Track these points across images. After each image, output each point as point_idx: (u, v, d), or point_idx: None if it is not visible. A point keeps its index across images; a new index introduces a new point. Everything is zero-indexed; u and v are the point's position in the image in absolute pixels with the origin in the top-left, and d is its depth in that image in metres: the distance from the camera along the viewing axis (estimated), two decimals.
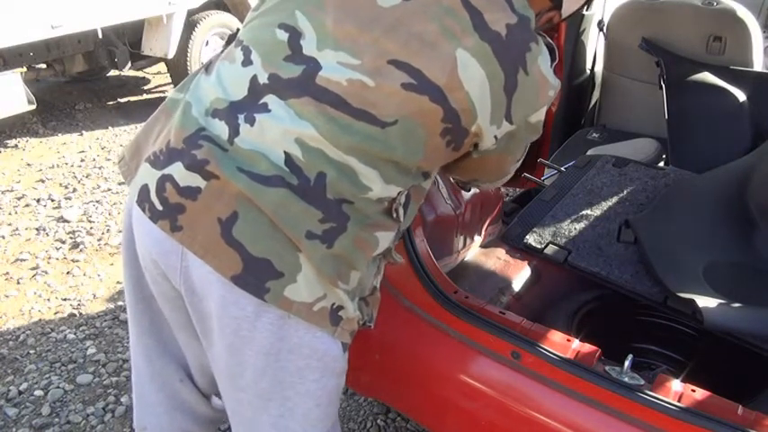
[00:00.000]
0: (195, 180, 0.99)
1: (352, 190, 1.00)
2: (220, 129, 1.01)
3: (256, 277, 0.97)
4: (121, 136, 4.66)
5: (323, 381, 1.09)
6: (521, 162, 1.27)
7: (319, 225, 0.98)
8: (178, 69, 5.03)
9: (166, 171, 1.02)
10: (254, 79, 1.02)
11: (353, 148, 0.99)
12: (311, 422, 1.12)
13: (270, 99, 1.00)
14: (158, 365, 1.27)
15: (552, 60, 1.07)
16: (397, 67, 0.98)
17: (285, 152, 0.98)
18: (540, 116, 1.10)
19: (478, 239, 1.87)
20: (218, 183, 0.98)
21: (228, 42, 1.16)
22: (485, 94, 1.00)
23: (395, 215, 1.07)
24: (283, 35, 1.02)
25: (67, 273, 2.92)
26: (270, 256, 0.98)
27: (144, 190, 1.04)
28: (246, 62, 1.04)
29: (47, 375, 2.27)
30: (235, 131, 1.00)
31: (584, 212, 1.90)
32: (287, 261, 0.98)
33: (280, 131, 0.98)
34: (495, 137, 1.07)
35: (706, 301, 1.48)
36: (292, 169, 0.98)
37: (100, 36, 4.38)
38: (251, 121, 1.00)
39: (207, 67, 1.13)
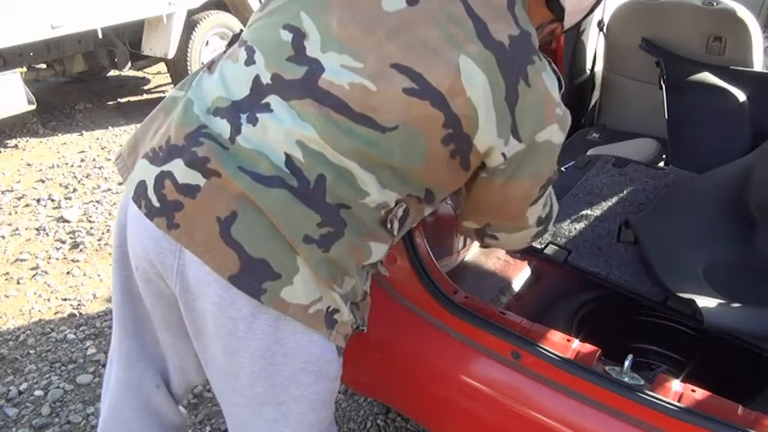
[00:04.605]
0: (195, 178, 0.99)
1: (350, 194, 0.99)
2: (222, 127, 1.01)
3: (253, 278, 0.97)
4: (121, 136, 4.66)
5: (317, 385, 1.08)
6: (545, 215, 1.22)
7: (317, 229, 0.98)
8: (178, 69, 5.03)
9: (166, 168, 1.01)
10: (256, 79, 1.02)
11: (353, 151, 0.98)
12: (305, 427, 1.11)
13: (272, 99, 1.00)
14: (136, 370, 1.26)
15: (559, 87, 1.05)
16: (399, 71, 0.97)
17: (286, 153, 0.98)
18: (548, 136, 1.04)
19: None
20: (219, 181, 0.98)
21: (231, 44, 1.15)
22: (488, 102, 0.98)
23: (389, 226, 1.06)
24: (287, 36, 1.02)
25: (67, 273, 2.92)
26: (268, 257, 0.97)
27: (141, 186, 1.03)
28: (249, 61, 1.04)
29: (47, 375, 2.27)
30: (236, 130, 1.00)
31: (584, 212, 1.90)
32: (284, 263, 0.98)
33: (282, 132, 0.98)
34: (504, 155, 1.03)
35: (706, 301, 1.48)
36: (292, 171, 0.98)
37: (100, 36, 4.38)
38: (253, 121, 0.99)
39: (209, 66, 1.12)
